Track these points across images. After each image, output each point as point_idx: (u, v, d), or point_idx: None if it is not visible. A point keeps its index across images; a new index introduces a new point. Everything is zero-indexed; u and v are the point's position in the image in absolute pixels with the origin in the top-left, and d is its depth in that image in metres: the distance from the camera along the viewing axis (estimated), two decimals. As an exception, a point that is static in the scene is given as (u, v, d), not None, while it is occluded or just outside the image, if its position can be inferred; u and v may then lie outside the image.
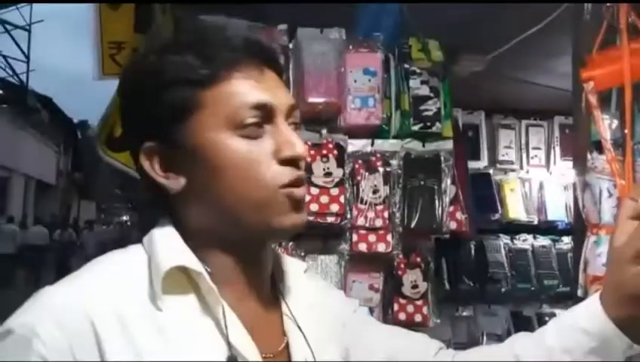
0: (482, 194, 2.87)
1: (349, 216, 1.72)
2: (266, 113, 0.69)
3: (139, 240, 0.73)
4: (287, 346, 0.72)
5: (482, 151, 3.08)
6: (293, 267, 0.81)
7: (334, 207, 1.68)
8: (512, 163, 3.14)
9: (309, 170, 1.70)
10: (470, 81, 2.43)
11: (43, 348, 0.59)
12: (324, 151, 1.74)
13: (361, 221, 1.75)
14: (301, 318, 0.74)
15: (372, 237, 1.76)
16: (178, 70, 0.68)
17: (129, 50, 1.99)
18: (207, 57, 0.68)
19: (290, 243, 1.81)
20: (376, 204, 1.77)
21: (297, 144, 0.69)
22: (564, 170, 3.14)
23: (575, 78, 1.42)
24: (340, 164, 1.74)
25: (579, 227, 1.38)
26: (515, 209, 3.01)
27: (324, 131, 1.84)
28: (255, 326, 0.69)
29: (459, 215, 1.83)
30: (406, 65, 1.86)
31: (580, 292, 1.28)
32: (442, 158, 1.83)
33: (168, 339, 0.63)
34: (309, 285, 0.81)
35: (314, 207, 1.67)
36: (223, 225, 0.70)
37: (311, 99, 1.76)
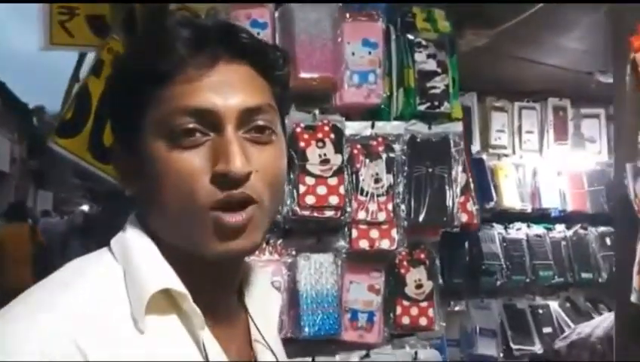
0: (476, 180, 2.68)
1: (348, 209, 1.49)
2: (209, 120, 0.60)
3: (102, 233, 0.71)
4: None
5: (475, 136, 2.89)
6: (261, 279, 0.75)
7: (333, 199, 1.45)
8: (504, 147, 2.98)
9: (303, 156, 1.46)
10: (464, 58, 2.22)
11: None
12: (320, 135, 1.50)
13: (361, 215, 1.52)
14: (268, 335, 0.72)
15: (374, 233, 1.54)
16: (134, 67, 0.63)
17: (83, 18, 1.69)
18: (160, 50, 0.61)
19: (280, 241, 1.57)
20: (378, 195, 1.55)
21: (233, 158, 0.59)
22: (558, 154, 3.02)
23: (617, 58, 1.24)
24: (338, 149, 1.50)
25: (624, 222, 1.20)
26: (510, 196, 2.85)
27: (317, 112, 1.60)
28: (227, 346, 0.66)
29: (469, 206, 1.63)
30: (410, 37, 1.63)
31: (634, 298, 1.09)
32: (452, 142, 1.61)
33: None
34: (273, 299, 0.78)
35: (310, 200, 1.43)
36: (174, 240, 0.64)
37: (303, 74, 1.51)
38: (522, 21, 1.94)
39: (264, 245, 1.56)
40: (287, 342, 1.56)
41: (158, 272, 0.62)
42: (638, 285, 1.09)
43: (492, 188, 2.77)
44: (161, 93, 0.60)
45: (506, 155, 2.96)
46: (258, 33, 1.48)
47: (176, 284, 0.61)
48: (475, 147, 2.90)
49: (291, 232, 1.59)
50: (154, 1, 1.50)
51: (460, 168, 1.61)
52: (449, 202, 1.56)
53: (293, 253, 1.57)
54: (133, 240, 0.64)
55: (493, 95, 2.98)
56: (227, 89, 0.61)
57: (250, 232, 0.61)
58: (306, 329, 1.52)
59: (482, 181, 2.76)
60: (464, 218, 1.62)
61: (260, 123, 0.62)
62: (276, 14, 1.59)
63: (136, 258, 0.63)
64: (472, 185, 1.64)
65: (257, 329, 0.71)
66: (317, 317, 1.54)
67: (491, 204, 2.75)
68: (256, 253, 1.54)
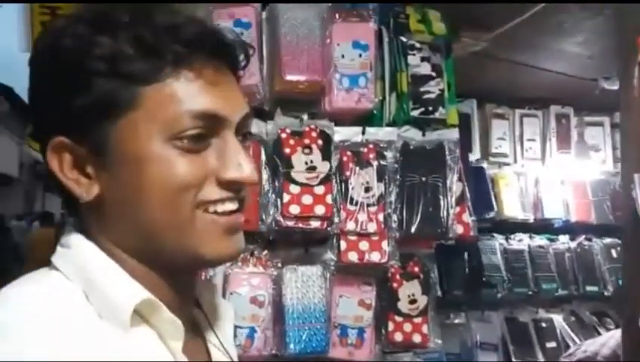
0: (476, 190, 2.60)
1: (336, 219, 1.41)
2: (212, 124, 0.60)
3: None
4: None
5: (474, 143, 2.81)
6: (209, 289, 0.74)
7: (319, 209, 1.36)
8: (506, 156, 2.89)
9: (288, 163, 1.38)
10: (462, 63, 2.15)
11: None
12: (307, 141, 1.42)
13: (350, 225, 1.44)
14: (225, 341, 0.71)
15: (364, 245, 1.46)
16: (111, 56, 0.57)
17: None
18: (149, 47, 0.58)
19: (265, 253, 1.50)
20: (368, 205, 1.46)
21: (245, 166, 0.61)
22: (561, 163, 2.93)
23: (624, 61, 1.17)
24: (326, 156, 1.42)
25: (632, 234, 1.11)
26: (511, 206, 2.76)
27: (305, 117, 1.52)
28: (189, 355, 0.63)
29: (466, 217, 1.54)
30: (403, 39, 1.56)
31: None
32: (447, 150, 1.53)
33: None
34: (227, 308, 0.75)
35: (294, 210, 1.35)
36: (142, 247, 0.61)
37: (289, 77, 1.44)
38: (521, 24, 1.86)
39: (248, 256, 1.48)
40: (272, 359, 1.49)
41: (131, 284, 0.59)
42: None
43: (492, 197, 2.69)
44: (149, 93, 0.58)
45: (507, 164, 2.87)
46: (241, 33, 1.41)
47: (150, 295, 0.59)
48: (475, 155, 2.82)
49: (277, 243, 1.51)
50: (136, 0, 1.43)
51: (456, 177, 1.53)
52: (443, 213, 1.48)
53: (279, 265, 1.49)
54: (90, 256, 0.60)
55: (494, 102, 2.90)
56: (230, 95, 0.61)
57: (241, 234, 0.64)
58: (292, 346, 1.44)
59: (482, 190, 2.68)
60: (460, 229, 1.54)
61: (248, 129, 0.65)
62: (263, 15, 1.53)
63: (100, 275, 0.59)
64: (468, 195, 1.55)
65: (216, 336, 0.69)
66: (303, 334, 1.46)
67: (491, 214, 2.66)
68: (240, 264, 1.48)
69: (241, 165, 0.60)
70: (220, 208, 0.60)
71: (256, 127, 1.45)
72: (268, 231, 1.40)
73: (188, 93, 0.59)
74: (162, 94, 0.58)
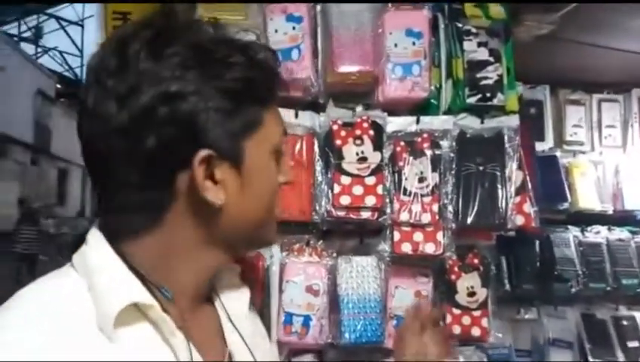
0: (548, 180, 2.48)
1: (388, 210, 1.40)
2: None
3: None
4: (229, 352, 0.74)
5: (547, 131, 2.68)
6: (229, 269, 0.80)
7: (370, 200, 1.36)
8: (581, 144, 2.73)
9: (339, 155, 1.39)
10: (531, 47, 2.05)
11: None
12: (358, 132, 1.42)
13: (404, 216, 1.43)
14: (240, 325, 0.76)
15: (418, 236, 1.44)
16: (248, 79, 0.67)
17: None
18: (269, 73, 0.70)
19: (320, 243, 1.51)
20: (422, 195, 1.44)
21: (291, 170, 0.84)
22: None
23: None
24: (378, 146, 1.42)
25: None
26: (587, 196, 2.60)
27: (359, 108, 1.52)
28: (201, 340, 0.69)
29: (527, 207, 1.48)
30: (459, 24, 1.52)
31: None
32: (506, 138, 1.48)
33: None
34: (244, 290, 0.82)
35: (345, 200, 1.36)
36: (231, 241, 0.72)
37: (342, 69, 1.44)
38: (588, 3, 1.74)
39: (304, 246, 1.51)
40: (328, 348, 1.51)
41: (122, 286, 0.64)
42: None
43: (566, 187, 2.55)
44: (267, 114, 0.71)
45: (582, 152, 2.71)
46: (293, 28, 1.43)
47: (141, 297, 0.64)
48: (548, 143, 2.69)
49: (332, 233, 1.53)
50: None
51: (515, 165, 1.47)
52: (502, 203, 1.43)
53: (334, 255, 1.50)
54: (96, 255, 0.66)
55: (568, 87, 2.74)
56: None
57: None
58: (347, 335, 1.45)
59: (555, 180, 2.56)
60: (520, 220, 1.48)
61: None
62: (318, 8, 1.54)
63: (99, 272, 0.64)
64: (529, 185, 1.49)
65: (231, 321, 0.76)
66: (358, 323, 1.46)
67: (565, 205, 2.53)
68: (296, 254, 1.51)
69: (289, 170, 0.77)
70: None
71: (310, 119, 1.47)
72: (322, 222, 1.42)
73: (278, 114, 0.74)
74: (272, 115, 0.72)
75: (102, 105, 0.63)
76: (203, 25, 0.69)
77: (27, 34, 17.12)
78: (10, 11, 15.52)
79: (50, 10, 16.95)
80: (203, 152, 0.64)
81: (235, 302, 0.78)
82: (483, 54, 1.49)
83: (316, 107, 1.52)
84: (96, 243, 0.67)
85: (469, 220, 1.42)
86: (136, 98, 0.61)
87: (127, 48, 0.63)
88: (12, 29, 16.38)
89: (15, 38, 16.12)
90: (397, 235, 1.43)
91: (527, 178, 1.50)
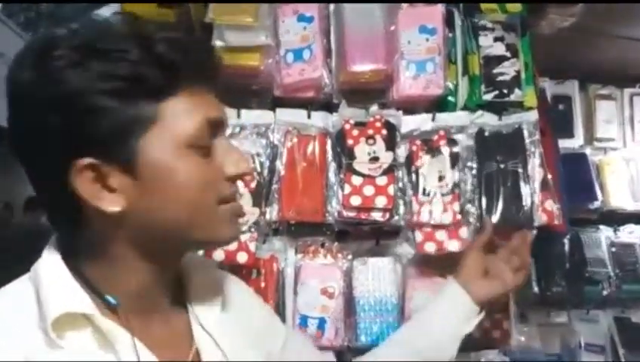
0: (577, 178, 2.40)
1: (401, 210, 1.37)
2: (216, 130, 0.70)
3: None
4: (197, 353, 0.73)
5: (576, 128, 2.60)
6: (202, 266, 0.80)
7: (380, 201, 1.33)
8: (612, 140, 2.63)
9: (350, 155, 1.37)
10: (558, 41, 1.98)
11: None
12: (370, 131, 1.40)
13: (424, 216, 1.39)
14: (211, 322, 0.75)
15: (441, 235, 1.40)
16: (133, 76, 0.62)
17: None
18: (167, 65, 0.65)
19: (335, 244, 1.50)
20: (442, 194, 1.41)
21: (243, 161, 0.72)
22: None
23: None
24: (390, 146, 1.39)
25: None
26: (619, 195, 2.50)
27: (374, 107, 1.50)
28: (160, 339, 0.70)
29: (549, 205, 1.42)
30: (474, 20, 1.48)
31: None
32: (526, 133, 1.43)
33: None
34: (222, 285, 0.81)
35: (355, 201, 1.33)
36: (156, 244, 0.69)
37: (354, 68, 1.42)
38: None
39: (319, 248, 1.49)
40: (346, 350, 1.49)
41: (62, 295, 0.65)
42: None
43: (596, 186, 2.46)
44: (166, 107, 0.65)
45: (614, 149, 2.61)
46: (304, 28, 1.42)
47: (77, 306, 0.65)
48: (577, 141, 2.61)
49: (347, 235, 1.50)
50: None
51: (537, 162, 1.43)
52: (526, 200, 1.38)
53: (350, 256, 1.48)
54: (44, 265, 0.68)
55: (598, 82, 2.65)
56: (218, 101, 0.72)
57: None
58: (362, 338, 1.43)
59: (585, 178, 2.47)
60: (543, 218, 1.42)
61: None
62: (331, 7, 1.52)
63: (44, 284, 0.66)
64: (551, 183, 1.44)
65: (197, 319, 0.75)
66: (375, 326, 1.44)
67: (596, 204, 2.44)
68: (311, 256, 1.49)
69: (239, 161, 0.71)
70: (233, 199, 0.72)
71: (323, 119, 1.46)
72: (334, 223, 1.40)
73: (198, 104, 0.67)
74: (179, 106, 0.66)
75: (6, 114, 0.66)
76: (112, 23, 0.66)
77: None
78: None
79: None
80: (83, 161, 0.62)
81: (203, 302, 0.77)
82: (499, 49, 1.45)
83: (330, 107, 1.50)
84: (47, 253, 0.70)
85: (495, 220, 1.37)
86: (23, 108, 0.63)
87: (21, 61, 0.64)
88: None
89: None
90: (419, 236, 1.39)
91: (549, 175, 1.44)
